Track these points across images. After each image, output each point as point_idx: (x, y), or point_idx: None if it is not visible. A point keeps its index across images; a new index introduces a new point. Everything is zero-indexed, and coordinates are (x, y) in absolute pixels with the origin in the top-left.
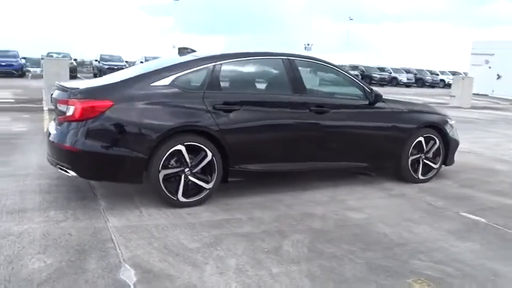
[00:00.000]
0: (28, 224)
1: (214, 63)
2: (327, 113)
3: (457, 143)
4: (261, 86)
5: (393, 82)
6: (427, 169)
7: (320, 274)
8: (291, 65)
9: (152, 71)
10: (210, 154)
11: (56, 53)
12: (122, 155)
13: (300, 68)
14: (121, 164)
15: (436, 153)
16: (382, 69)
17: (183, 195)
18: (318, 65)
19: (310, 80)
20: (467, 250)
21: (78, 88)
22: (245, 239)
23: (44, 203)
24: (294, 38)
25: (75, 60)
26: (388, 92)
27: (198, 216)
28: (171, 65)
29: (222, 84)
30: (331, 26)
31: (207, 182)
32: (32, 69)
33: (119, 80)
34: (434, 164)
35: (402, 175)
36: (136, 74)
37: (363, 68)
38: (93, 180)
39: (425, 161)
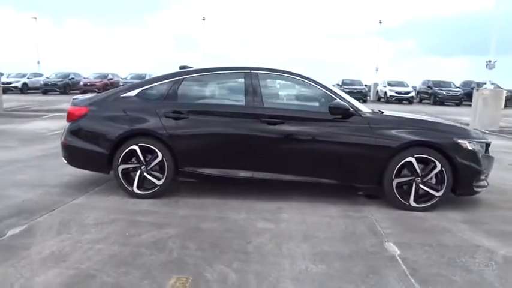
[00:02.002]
0: (27, 193)
1: (177, 78)
2: (281, 124)
3: (472, 170)
4: (217, 97)
5: None
6: (427, 197)
7: (117, 254)
8: (251, 77)
9: (129, 85)
10: (160, 155)
11: None
12: (91, 149)
13: (263, 80)
14: (91, 157)
15: (441, 179)
16: None
17: (138, 188)
18: (289, 79)
19: (272, 92)
20: (298, 270)
21: (76, 99)
22: (128, 224)
23: (63, 182)
24: None
25: None
26: None
27: (135, 205)
28: (145, 80)
29: (181, 95)
30: None
31: (159, 179)
32: None
33: (104, 93)
34: (436, 191)
35: (389, 200)
36: (118, 88)
37: None
38: (76, 168)
39: (422, 186)
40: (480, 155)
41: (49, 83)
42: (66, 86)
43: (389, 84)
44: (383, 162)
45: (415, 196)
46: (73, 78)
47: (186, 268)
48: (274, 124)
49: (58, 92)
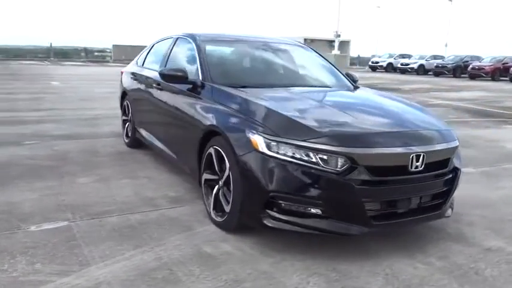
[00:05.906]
0: (75, 131)
1: (151, 45)
2: (161, 90)
3: (253, 184)
4: (156, 62)
5: None
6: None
7: None
8: (173, 43)
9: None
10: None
11: None
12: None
13: (178, 46)
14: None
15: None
16: None
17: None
18: (188, 43)
19: (178, 57)
20: None
21: None
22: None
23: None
24: None
25: None
26: None
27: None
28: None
29: (146, 60)
30: None
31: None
32: None
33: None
34: (226, 203)
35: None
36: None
37: None
38: None
39: (220, 192)
40: (295, 169)
41: (440, 65)
42: (457, 68)
43: None
44: (198, 147)
45: (215, 204)
46: (467, 62)
47: None
48: (161, 90)
49: (448, 75)
